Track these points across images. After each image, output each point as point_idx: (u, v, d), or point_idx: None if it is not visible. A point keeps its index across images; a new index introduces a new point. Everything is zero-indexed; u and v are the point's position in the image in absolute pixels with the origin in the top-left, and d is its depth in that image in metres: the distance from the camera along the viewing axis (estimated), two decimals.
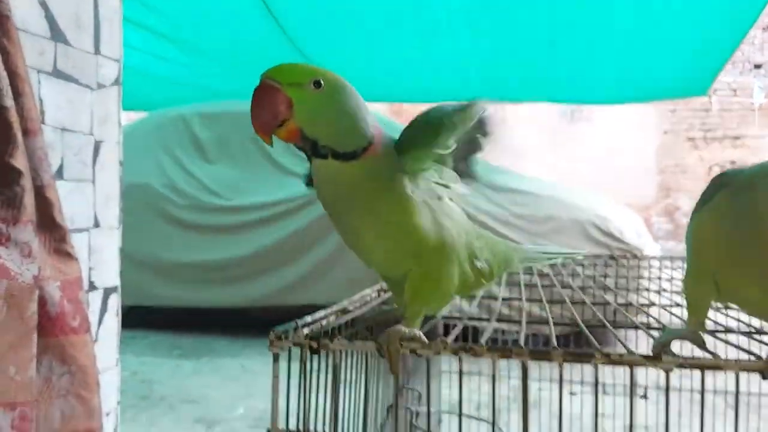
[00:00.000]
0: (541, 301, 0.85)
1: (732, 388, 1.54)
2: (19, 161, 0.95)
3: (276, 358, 0.51)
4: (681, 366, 0.46)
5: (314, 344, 0.51)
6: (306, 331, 0.54)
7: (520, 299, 0.91)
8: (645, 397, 1.52)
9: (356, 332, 0.63)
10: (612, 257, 1.54)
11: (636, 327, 0.70)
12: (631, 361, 0.47)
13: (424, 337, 0.57)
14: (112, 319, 1.33)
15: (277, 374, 0.49)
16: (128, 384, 2.74)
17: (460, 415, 0.53)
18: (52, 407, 0.98)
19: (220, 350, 3.50)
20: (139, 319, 3.77)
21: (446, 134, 0.63)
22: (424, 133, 0.62)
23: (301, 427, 0.52)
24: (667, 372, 0.48)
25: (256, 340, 3.59)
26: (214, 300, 3.77)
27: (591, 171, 7.44)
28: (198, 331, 3.79)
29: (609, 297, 0.94)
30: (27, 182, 0.96)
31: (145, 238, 3.75)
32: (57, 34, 1.16)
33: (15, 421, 0.87)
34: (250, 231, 3.75)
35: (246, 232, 3.76)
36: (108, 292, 1.32)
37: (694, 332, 0.63)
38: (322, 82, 0.60)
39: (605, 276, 1.34)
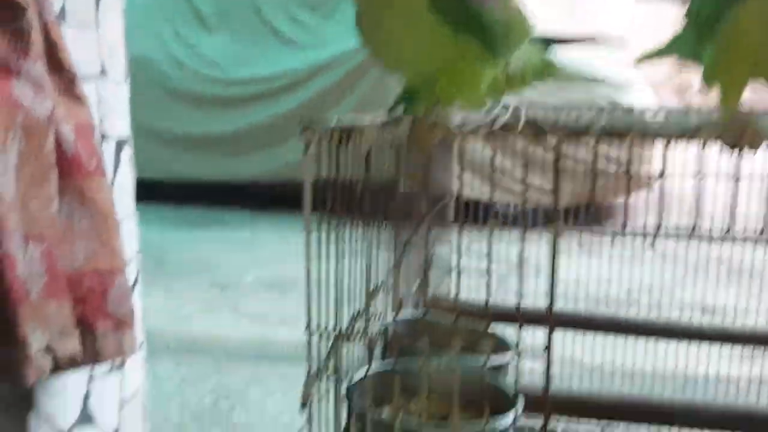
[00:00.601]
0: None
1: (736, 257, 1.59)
2: None
3: (306, 148, 0.52)
4: (680, 137, 0.46)
5: (345, 133, 0.51)
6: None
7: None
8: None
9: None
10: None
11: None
12: (633, 135, 0.47)
13: (451, 124, 0.57)
14: (127, 169, 1.33)
15: (312, 153, 0.49)
16: (141, 253, 2.81)
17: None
18: (74, 248, 1.01)
19: (228, 222, 3.56)
20: (144, 192, 3.80)
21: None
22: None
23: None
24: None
25: (264, 213, 3.65)
26: (221, 173, 3.79)
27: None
28: (205, 204, 3.82)
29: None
30: (33, 18, 0.92)
31: (148, 112, 3.70)
32: None
33: (44, 253, 0.89)
34: (255, 103, 3.70)
35: (251, 104, 3.71)
36: (120, 144, 1.31)
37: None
38: None
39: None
